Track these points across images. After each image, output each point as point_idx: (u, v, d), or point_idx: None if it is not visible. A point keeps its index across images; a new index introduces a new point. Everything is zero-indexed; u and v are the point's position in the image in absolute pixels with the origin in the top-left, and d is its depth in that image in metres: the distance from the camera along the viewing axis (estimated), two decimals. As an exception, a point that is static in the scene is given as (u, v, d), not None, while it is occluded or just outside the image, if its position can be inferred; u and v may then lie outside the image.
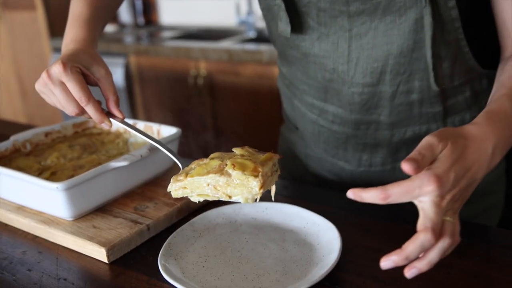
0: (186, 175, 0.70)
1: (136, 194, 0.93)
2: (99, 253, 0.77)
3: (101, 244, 0.77)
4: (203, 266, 0.74)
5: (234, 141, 2.54)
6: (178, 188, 0.71)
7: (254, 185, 0.67)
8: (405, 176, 0.65)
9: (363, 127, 0.92)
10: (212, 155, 0.74)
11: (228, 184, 0.68)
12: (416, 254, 0.57)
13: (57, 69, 0.76)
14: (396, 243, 0.78)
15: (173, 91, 2.74)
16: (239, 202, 0.70)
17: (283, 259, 0.75)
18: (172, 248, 0.77)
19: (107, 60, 0.89)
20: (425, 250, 0.57)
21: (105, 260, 0.77)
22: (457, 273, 0.70)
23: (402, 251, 0.58)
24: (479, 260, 0.72)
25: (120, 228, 0.81)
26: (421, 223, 0.58)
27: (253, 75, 2.41)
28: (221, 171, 0.69)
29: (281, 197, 0.92)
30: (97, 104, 0.81)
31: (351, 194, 0.61)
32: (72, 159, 0.97)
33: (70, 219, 0.84)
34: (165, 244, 0.77)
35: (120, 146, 1.05)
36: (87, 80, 0.81)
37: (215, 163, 0.71)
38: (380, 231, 0.82)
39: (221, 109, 2.60)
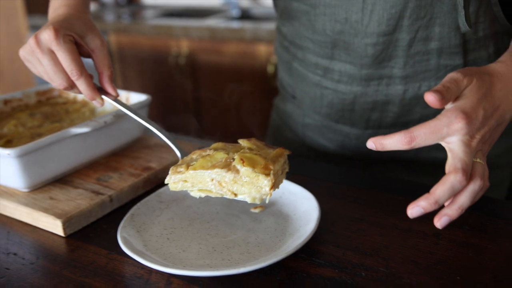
0: (188, 166, 0.64)
1: (99, 164, 0.86)
2: (55, 226, 0.70)
3: (57, 216, 0.70)
4: (168, 239, 0.67)
5: (216, 122, 2.47)
6: (177, 180, 0.64)
7: (264, 184, 0.60)
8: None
9: (374, 83, 0.85)
10: (214, 145, 0.68)
11: (235, 181, 0.61)
12: (445, 198, 0.52)
13: (47, 36, 0.67)
14: (380, 213, 0.72)
15: (154, 70, 2.66)
16: (245, 201, 0.63)
17: (256, 230, 0.68)
18: (134, 220, 0.70)
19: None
20: (455, 193, 0.53)
21: (61, 234, 0.70)
22: (445, 242, 0.64)
23: (430, 195, 0.53)
24: (469, 230, 0.66)
25: (79, 199, 0.74)
26: (450, 164, 0.53)
27: (235, 54, 2.34)
28: (227, 166, 0.62)
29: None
30: (90, 78, 0.71)
31: (371, 143, 0.56)
32: (32, 128, 0.90)
33: (25, 190, 0.77)
34: (127, 215, 0.70)
35: (86, 115, 0.98)
36: (79, 51, 0.71)
37: (221, 156, 0.64)
38: (364, 201, 0.76)
39: (203, 88, 2.53)
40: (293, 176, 0.79)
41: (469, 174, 0.53)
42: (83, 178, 0.81)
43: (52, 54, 0.68)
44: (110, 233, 0.71)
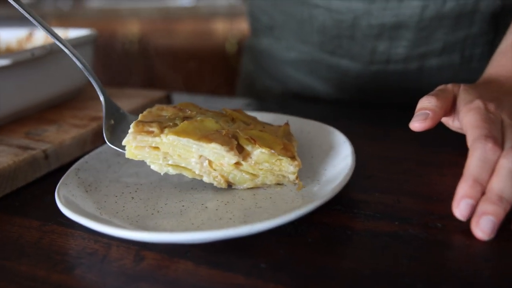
0: (162, 127, 0.43)
1: (30, 119, 0.63)
2: (-39, 193, 0.47)
3: (-37, 177, 0.47)
4: (133, 198, 0.45)
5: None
6: (144, 145, 0.43)
7: (290, 171, 0.44)
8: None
9: None
10: (183, 104, 0.49)
11: (237, 166, 0.43)
12: (485, 176, 0.37)
13: None
14: (426, 150, 0.52)
15: (105, 59, 2.40)
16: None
17: (263, 179, 0.47)
18: (81, 176, 0.47)
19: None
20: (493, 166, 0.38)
21: (-29, 204, 0.47)
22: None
23: (473, 184, 0.37)
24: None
25: (-1, 157, 0.51)
26: (468, 140, 0.40)
27: (190, 34, 2.12)
28: (229, 143, 0.42)
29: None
30: None
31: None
32: None
33: None
34: (69, 170, 0.48)
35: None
36: None
37: (212, 125, 0.44)
38: (397, 138, 0.56)
39: (160, 74, 2.29)
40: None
41: (496, 140, 0.38)
42: (5, 134, 0.58)
43: None
44: (46, 201, 0.48)
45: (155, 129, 0.43)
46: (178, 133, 0.43)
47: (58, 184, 0.44)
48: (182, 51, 2.17)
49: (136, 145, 0.44)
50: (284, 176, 0.44)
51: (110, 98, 0.51)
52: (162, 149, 0.43)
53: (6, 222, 0.45)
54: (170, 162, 0.44)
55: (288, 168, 0.44)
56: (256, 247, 0.38)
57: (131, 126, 0.44)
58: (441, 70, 0.69)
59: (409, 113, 0.63)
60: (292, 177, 0.44)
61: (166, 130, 0.43)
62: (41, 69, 0.61)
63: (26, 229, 0.43)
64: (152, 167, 0.44)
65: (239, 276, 0.35)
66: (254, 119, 0.50)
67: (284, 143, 0.45)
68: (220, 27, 2.06)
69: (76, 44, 0.65)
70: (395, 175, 0.47)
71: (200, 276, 0.35)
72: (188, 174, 0.44)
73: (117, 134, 0.49)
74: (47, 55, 0.61)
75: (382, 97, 0.72)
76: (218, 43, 2.09)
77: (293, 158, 0.43)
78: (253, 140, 0.43)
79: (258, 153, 0.43)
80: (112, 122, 0.50)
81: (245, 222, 0.39)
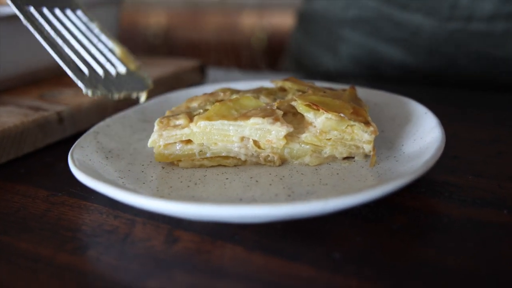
0: (191, 117, 0.36)
1: (46, 82, 0.55)
2: (-44, 155, 0.39)
3: (-40, 136, 0.39)
4: (163, 167, 0.37)
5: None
6: (173, 141, 0.36)
7: (365, 139, 0.35)
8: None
9: None
10: (220, 89, 0.41)
11: (289, 139, 0.35)
12: None
13: None
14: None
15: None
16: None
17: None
18: (100, 141, 0.39)
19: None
20: None
21: (-32, 168, 0.39)
22: None
23: None
24: None
25: (5, 117, 0.43)
26: None
27: (217, 28, 2.04)
28: (271, 114, 0.34)
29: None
30: None
31: None
32: None
33: None
34: (87, 132, 0.39)
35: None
36: None
37: (251, 102, 0.37)
38: (478, 120, 0.47)
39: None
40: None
41: None
42: (17, 95, 0.50)
43: None
44: (57, 169, 0.40)
45: (182, 120, 0.36)
46: (209, 117, 0.35)
47: (73, 146, 0.36)
48: (208, 45, 2.10)
49: (164, 143, 0.36)
50: (357, 147, 0.35)
51: None
52: (195, 141, 0.36)
53: (7, 191, 0.37)
54: (208, 155, 0.36)
55: (362, 136, 0.35)
56: (325, 232, 0.29)
57: (155, 123, 0.36)
58: None
59: (487, 94, 0.54)
60: (367, 147, 0.35)
61: (195, 118, 0.35)
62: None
63: (30, 199, 0.35)
64: (181, 165, 0.37)
65: (308, 267, 0.26)
66: (312, 85, 0.41)
67: (353, 107, 0.36)
68: (247, 22, 1.98)
69: (99, 2, 0.57)
70: (488, 158, 0.38)
71: (255, 266, 0.26)
72: (228, 163, 0.36)
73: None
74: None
75: (456, 65, 0.62)
76: (244, 38, 2.01)
77: (367, 123, 0.35)
78: (315, 106, 0.35)
79: (323, 119, 0.35)
80: None
81: (308, 200, 0.30)
